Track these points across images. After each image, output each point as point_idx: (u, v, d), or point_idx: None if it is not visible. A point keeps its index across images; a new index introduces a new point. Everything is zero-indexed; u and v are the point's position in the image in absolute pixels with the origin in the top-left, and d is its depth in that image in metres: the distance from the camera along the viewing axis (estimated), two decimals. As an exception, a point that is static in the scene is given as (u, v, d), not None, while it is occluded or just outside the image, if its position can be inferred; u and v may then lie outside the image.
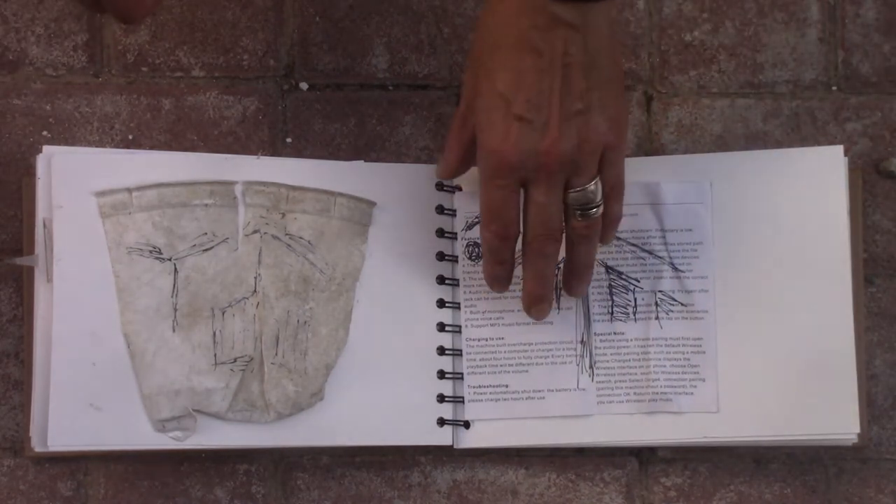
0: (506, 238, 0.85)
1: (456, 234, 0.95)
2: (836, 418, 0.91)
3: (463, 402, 0.94)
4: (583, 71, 0.79)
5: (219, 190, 0.92)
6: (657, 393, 0.93)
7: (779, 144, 0.97)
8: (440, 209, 0.95)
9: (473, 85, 0.82)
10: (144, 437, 0.90)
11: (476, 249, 0.94)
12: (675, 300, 0.93)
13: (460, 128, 0.84)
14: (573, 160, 0.80)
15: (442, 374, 0.94)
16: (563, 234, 0.85)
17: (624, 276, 0.93)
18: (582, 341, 0.94)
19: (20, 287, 0.94)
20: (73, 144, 0.96)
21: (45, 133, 0.96)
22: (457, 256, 0.95)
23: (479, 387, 0.94)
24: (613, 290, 0.93)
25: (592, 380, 0.93)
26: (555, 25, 0.78)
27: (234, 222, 0.92)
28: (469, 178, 0.94)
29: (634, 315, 0.93)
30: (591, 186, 0.82)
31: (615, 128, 0.81)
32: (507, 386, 0.94)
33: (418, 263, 0.95)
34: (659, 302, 0.93)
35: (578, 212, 0.83)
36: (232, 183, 0.92)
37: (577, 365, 0.93)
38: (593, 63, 0.79)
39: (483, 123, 0.81)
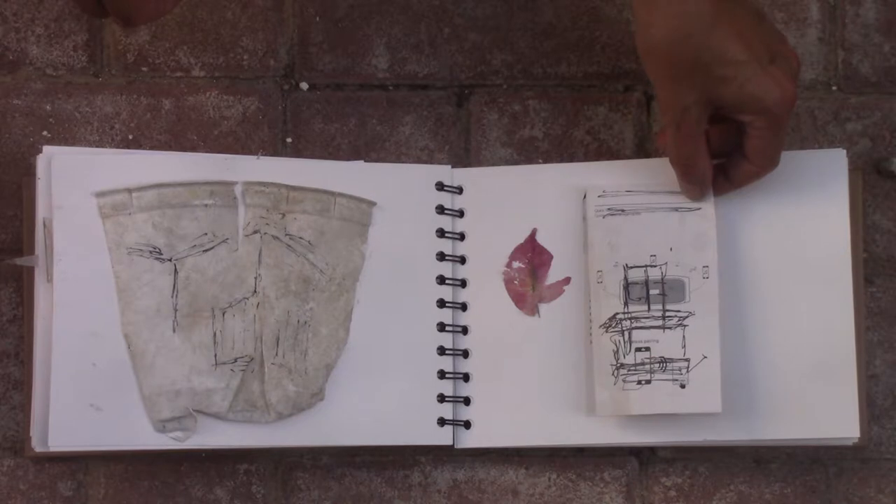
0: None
1: (456, 234, 0.95)
2: (837, 419, 0.91)
3: (464, 402, 0.94)
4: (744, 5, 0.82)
5: (219, 190, 0.92)
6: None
7: (779, 144, 0.97)
8: (440, 209, 0.95)
9: (697, 86, 0.81)
10: (144, 437, 0.90)
11: None
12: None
13: (694, 134, 0.84)
14: None
15: (442, 374, 0.94)
16: None
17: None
18: (583, 342, 0.94)
19: (20, 287, 0.94)
20: (73, 144, 0.95)
21: (45, 133, 0.96)
22: (457, 256, 0.95)
23: (483, 387, 0.94)
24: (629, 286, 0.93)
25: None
26: None
27: (234, 222, 0.92)
28: (469, 177, 0.94)
29: (635, 316, 0.93)
30: None
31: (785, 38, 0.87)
32: (507, 386, 0.94)
33: (418, 263, 0.95)
34: (659, 303, 0.93)
35: None
36: (232, 183, 0.92)
37: (578, 366, 0.93)
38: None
39: (751, 91, 0.81)
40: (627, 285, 0.92)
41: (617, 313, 0.91)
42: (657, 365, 0.90)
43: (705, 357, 0.91)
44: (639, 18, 0.81)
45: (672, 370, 0.90)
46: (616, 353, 0.91)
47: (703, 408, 0.91)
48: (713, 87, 0.81)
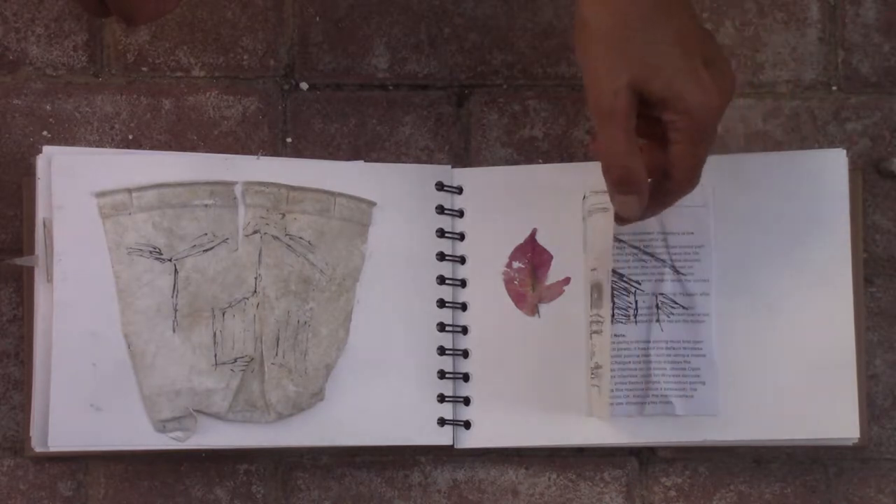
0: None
1: (456, 234, 0.95)
2: (837, 419, 0.91)
3: (464, 402, 0.94)
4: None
5: (219, 190, 0.92)
6: (657, 395, 0.92)
7: (779, 144, 0.97)
8: (440, 209, 0.95)
9: (629, 69, 0.79)
10: (144, 437, 0.90)
11: None
12: (676, 303, 0.93)
13: (626, 129, 0.80)
14: None
15: (442, 374, 0.94)
16: None
17: (625, 279, 0.93)
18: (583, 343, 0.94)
19: (20, 287, 0.94)
20: (73, 144, 0.95)
21: (45, 133, 0.96)
22: (457, 256, 0.95)
23: (484, 387, 0.94)
24: (614, 292, 0.93)
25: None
26: None
27: (235, 222, 0.92)
28: (470, 177, 0.95)
29: (635, 317, 0.93)
30: None
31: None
32: (508, 386, 0.94)
33: (418, 263, 0.95)
34: (660, 304, 0.93)
35: None
36: (232, 183, 0.92)
37: (578, 366, 0.93)
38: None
39: (679, 88, 0.78)
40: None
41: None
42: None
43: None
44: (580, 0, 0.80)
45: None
46: (593, 354, 0.91)
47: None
48: (643, 74, 0.78)
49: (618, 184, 0.81)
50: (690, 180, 0.82)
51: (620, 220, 0.85)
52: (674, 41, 0.78)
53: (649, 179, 0.81)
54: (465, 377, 0.95)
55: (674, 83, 0.78)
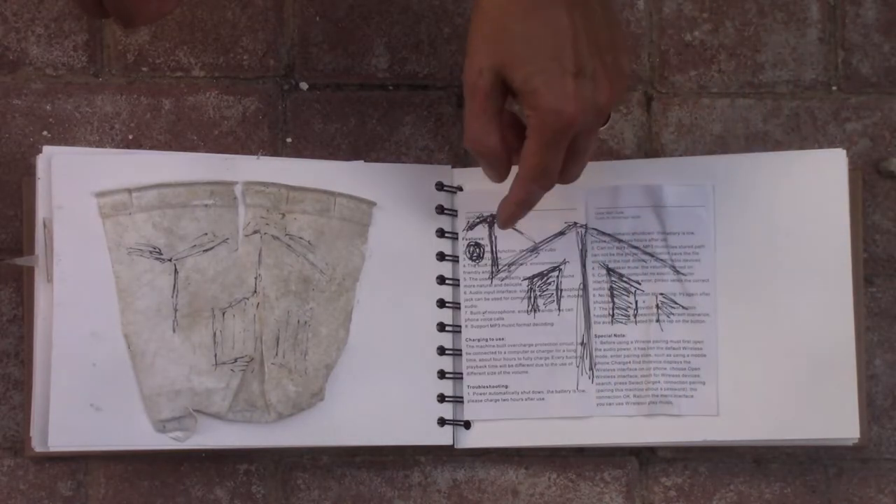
0: (547, 189, 0.84)
1: (456, 234, 0.95)
2: (837, 419, 0.91)
3: (463, 402, 0.94)
4: (603, 20, 0.80)
5: (219, 190, 0.92)
6: (657, 395, 0.93)
7: (779, 144, 0.97)
8: (440, 209, 0.95)
9: (497, 53, 0.80)
10: (144, 437, 0.90)
11: (477, 250, 0.94)
12: (676, 303, 0.93)
13: (484, 108, 0.81)
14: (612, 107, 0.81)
15: (442, 374, 0.94)
16: None
17: (625, 279, 0.94)
18: (582, 343, 0.94)
19: (20, 287, 0.94)
20: (73, 144, 0.95)
21: (45, 133, 0.96)
22: (457, 256, 0.95)
23: (479, 387, 0.94)
24: (614, 292, 0.93)
25: (592, 381, 0.93)
26: None
27: (234, 222, 0.92)
28: (470, 177, 0.95)
29: (635, 317, 0.93)
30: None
31: (625, 73, 0.82)
32: (506, 386, 0.94)
33: (418, 263, 0.95)
34: (660, 305, 0.93)
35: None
36: (232, 183, 0.92)
37: (577, 367, 0.93)
38: (607, 17, 0.80)
39: (536, 85, 0.78)
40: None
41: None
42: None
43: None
44: None
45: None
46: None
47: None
48: (508, 62, 0.79)
49: (474, 153, 0.84)
50: (535, 179, 0.82)
51: (500, 222, 0.86)
52: (549, 42, 0.78)
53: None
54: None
55: (532, 80, 0.78)
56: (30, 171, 0.93)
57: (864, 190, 0.97)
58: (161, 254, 0.91)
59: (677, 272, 0.93)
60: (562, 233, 0.94)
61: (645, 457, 0.96)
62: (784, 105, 0.98)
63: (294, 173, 0.93)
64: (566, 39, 0.78)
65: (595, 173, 0.95)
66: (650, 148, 0.98)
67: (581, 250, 0.94)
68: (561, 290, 0.94)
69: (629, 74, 0.81)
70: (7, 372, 0.94)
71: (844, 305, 0.92)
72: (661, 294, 0.93)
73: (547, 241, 0.95)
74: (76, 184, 0.91)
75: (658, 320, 0.93)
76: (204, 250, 0.92)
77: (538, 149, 0.80)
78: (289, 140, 0.97)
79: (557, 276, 0.94)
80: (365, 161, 0.96)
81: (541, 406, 0.94)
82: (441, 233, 0.95)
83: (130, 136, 0.96)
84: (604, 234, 0.94)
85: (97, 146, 0.96)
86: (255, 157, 0.95)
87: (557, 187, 0.83)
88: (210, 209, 0.92)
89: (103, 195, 0.91)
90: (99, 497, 0.94)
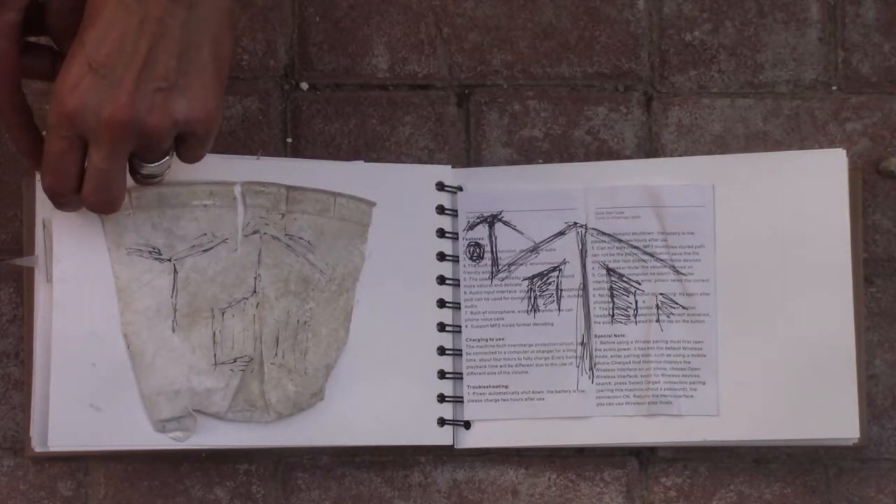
0: (61, 193, 0.81)
1: (456, 234, 0.95)
2: (837, 419, 0.91)
3: (463, 402, 0.94)
4: (177, 47, 0.76)
5: (218, 190, 0.92)
6: (657, 395, 0.93)
7: (779, 144, 0.97)
8: (440, 209, 0.95)
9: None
10: (144, 437, 0.90)
11: (477, 250, 0.95)
12: (676, 303, 0.93)
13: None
14: (141, 133, 0.78)
15: (442, 374, 0.94)
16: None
17: (625, 279, 0.94)
18: (582, 343, 0.94)
19: (20, 287, 0.94)
20: (72, 144, 0.95)
21: (45, 133, 0.95)
22: (457, 256, 0.95)
23: (479, 387, 0.94)
24: (614, 292, 0.93)
25: (592, 381, 0.93)
26: None
27: (234, 223, 0.92)
28: (470, 177, 0.95)
29: (635, 317, 0.93)
30: (157, 167, 0.82)
31: (199, 115, 0.78)
32: (506, 387, 0.94)
33: (418, 263, 0.95)
34: (660, 305, 0.93)
35: (143, 178, 0.84)
36: (231, 183, 0.92)
37: (577, 367, 0.93)
38: (192, 44, 0.77)
39: (60, 68, 0.77)
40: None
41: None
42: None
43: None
44: None
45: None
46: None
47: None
48: (56, 35, 0.80)
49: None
50: (50, 172, 0.80)
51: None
52: (92, 33, 0.76)
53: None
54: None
55: (60, 70, 0.77)
56: (30, 171, 0.93)
57: (864, 190, 0.97)
58: (160, 254, 0.91)
59: (677, 272, 0.93)
60: (562, 233, 0.94)
61: (645, 457, 0.96)
62: (784, 105, 0.98)
63: (294, 173, 0.93)
64: (107, 39, 0.76)
65: (595, 173, 0.95)
66: (650, 148, 0.98)
67: (581, 250, 0.94)
68: (561, 290, 0.94)
69: (220, 108, 0.80)
70: (7, 372, 0.94)
71: (844, 305, 0.92)
72: (661, 294, 0.93)
73: (547, 241, 0.95)
74: (76, 184, 0.90)
75: (658, 320, 0.93)
76: (203, 250, 0.92)
77: (47, 131, 0.79)
78: (289, 140, 0.97)
79: (557, 276, 0.94)
80: (365, 161, 0.96)
81: (541, 406, 0.94)
82: (441, 233, 0.95)
83: (130, 136, 0.96)
84: (604, 234, 0.94)
85: (97, 146, 0.96)
86: (255, 157, 0.95)
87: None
88: (209, 209, 0.92)
89: (103, 195, 0.91)
90: (99, 497, 0.94)
